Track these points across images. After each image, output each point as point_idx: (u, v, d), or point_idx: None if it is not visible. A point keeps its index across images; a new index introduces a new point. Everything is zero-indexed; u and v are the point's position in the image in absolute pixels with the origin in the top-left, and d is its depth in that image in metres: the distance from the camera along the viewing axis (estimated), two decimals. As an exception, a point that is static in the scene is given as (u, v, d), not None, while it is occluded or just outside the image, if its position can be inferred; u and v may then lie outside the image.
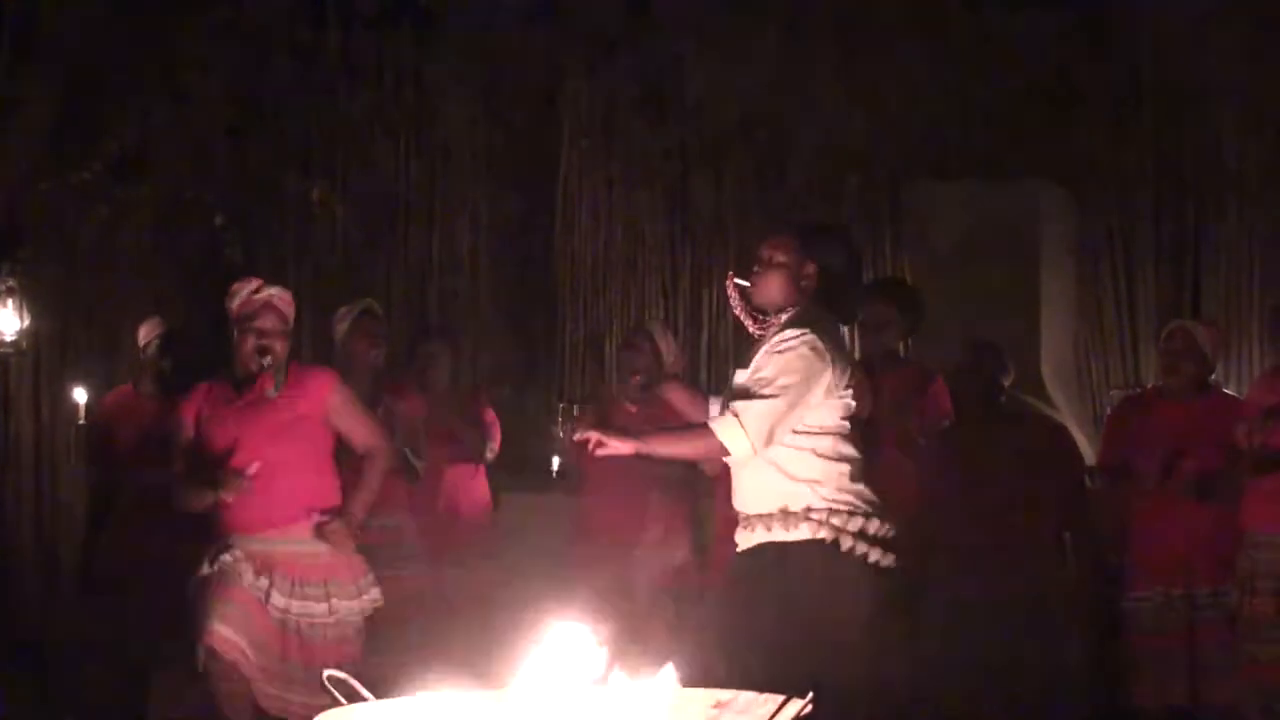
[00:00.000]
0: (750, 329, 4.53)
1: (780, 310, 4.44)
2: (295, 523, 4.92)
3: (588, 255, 9.11)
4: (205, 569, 4.88)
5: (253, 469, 4.81)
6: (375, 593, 5.03)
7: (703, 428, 4.32)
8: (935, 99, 8.57)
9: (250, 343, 4.94)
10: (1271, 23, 8.16)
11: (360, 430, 5.08)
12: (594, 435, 4.24)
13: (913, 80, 8.54)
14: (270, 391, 4.93)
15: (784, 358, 4.27)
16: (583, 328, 9.13)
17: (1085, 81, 8.54)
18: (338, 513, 4.96)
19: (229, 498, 4.85)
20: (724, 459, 4.35)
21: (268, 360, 4.92)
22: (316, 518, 4.92)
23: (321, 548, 4.94)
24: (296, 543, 4.92)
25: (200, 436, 4.97)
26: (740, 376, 4.40)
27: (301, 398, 4.99)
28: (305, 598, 4.89)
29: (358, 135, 9.11)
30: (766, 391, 4.24)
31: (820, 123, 8.66)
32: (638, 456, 4.42)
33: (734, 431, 4.24)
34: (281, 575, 4.86)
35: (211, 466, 4.90)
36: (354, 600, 4.98)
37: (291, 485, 4.91)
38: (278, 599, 4.85)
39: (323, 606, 4.91)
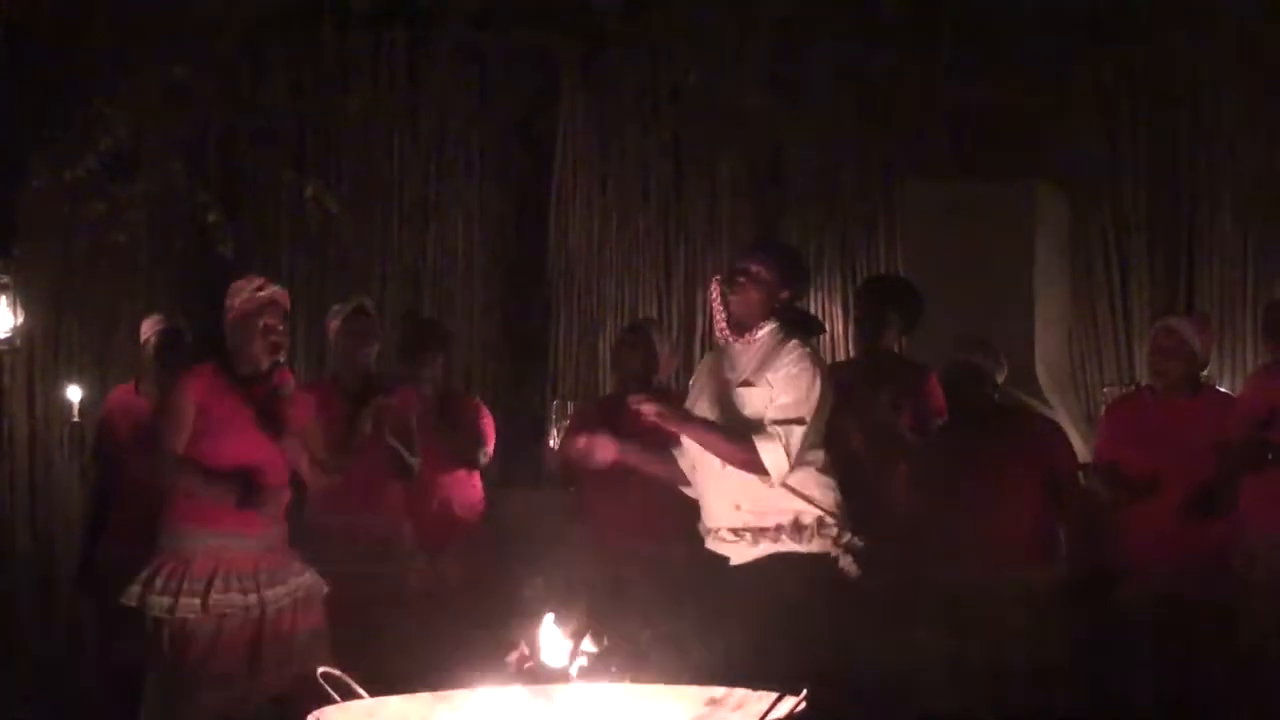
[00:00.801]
0: (722, 332, 4.63)
1: (751, 326, 4.56)
2: (252, 521, 4.98)
3: (582, 254, 9.09)
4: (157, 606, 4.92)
5: (285, 495, 4.97)
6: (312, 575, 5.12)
7: (746, 439, 4.36)
8: (930, 99, 8.57)
9: (260, 340, 5.00)
10: (1266, 22, 8.16)
11: (305, 454, 5.17)
12: (649, 404, 4.32)
13: (908, 79, 8.54)
14: (285, 390, 5.00)
15: (803, 381, 4.37)
16: (577, 325, 9.12)
17: (1080, 81, 8.54)
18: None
19: (247, 507, 4.91)
20: (753, 472, 4.39)
21: (281, 357, 5.02)
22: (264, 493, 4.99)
23: (268, 542, 5.02)
24: (251, 539, 4.99)
25: (203, 425, 4.99)
26: (750, 392, 4.44)
27: (290, 413, 5.09)
28: (259, 587, 4.97)
29: (352, 133, 9.10)
30: (795, 415, 4.36)
31: (815, 122, 8.65)
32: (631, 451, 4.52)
33: (779, 454, 4.32)
34: (225, 574, 4.93)
35: (222, 467, 4.95)
36: (301, 576, 5.09)
37: (260, 487, 4.98)
38: (234, 599, 4.92)
39: (278, 590, 5.00)
